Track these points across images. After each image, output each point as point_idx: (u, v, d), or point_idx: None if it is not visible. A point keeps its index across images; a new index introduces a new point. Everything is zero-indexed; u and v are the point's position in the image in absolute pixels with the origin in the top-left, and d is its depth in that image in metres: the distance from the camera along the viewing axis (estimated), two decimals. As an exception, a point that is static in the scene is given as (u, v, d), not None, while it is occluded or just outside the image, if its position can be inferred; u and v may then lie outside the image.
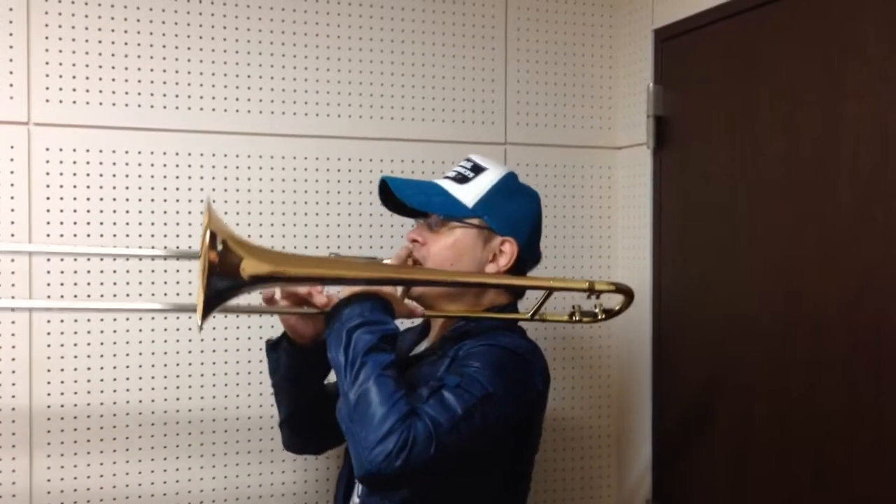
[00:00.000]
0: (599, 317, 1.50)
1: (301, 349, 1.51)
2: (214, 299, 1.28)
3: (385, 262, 1.53)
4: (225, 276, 1.27)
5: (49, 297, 1.86)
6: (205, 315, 1.26)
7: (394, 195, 1.53)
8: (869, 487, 1.53)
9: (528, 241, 1.54)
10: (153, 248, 1.89)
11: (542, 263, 2.21)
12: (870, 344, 1.53)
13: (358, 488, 1.53)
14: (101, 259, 1.89)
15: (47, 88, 1.86)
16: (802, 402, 1.67)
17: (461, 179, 1.53)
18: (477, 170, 1.54)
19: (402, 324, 1.55)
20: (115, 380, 1.91)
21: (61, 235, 1.87)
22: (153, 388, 1.94)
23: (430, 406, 1.28)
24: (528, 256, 1.57)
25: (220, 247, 1.27)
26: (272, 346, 1.57)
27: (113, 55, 1.91)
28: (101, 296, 1.90)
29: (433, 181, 1.56)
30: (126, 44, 1.92)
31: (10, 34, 1.84)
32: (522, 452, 1.49)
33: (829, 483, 1.61)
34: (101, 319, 1.90)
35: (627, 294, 1.50)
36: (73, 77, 1.88)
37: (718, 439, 1.90)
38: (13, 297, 1.83)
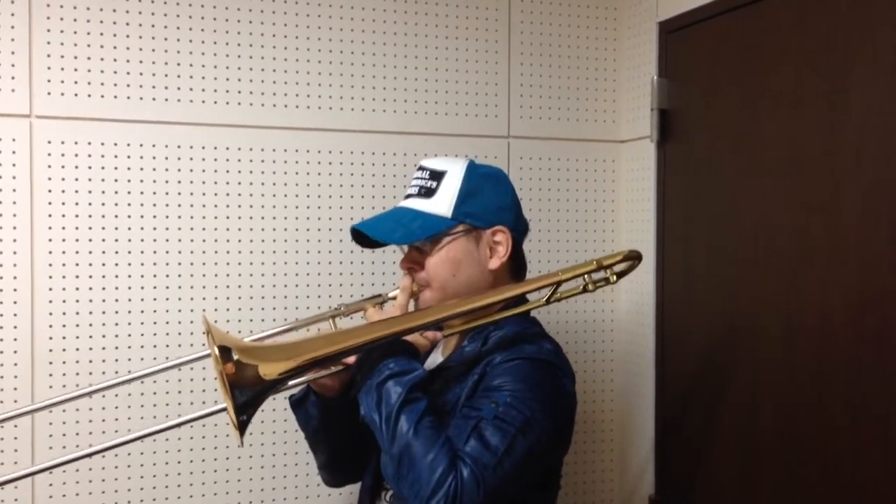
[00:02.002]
0: (612, 280, 1.48)
1: (330, 401, 1.51)
2: (245, 411, 1.27)
3: (391, 295, 1.51)
4: (247, 388, 1.26)
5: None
6: (243, 433, 1.26)
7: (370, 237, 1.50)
8: (875, 483, 1.53)
9: (515, 220, 1.53)
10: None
11: (546, 258, 2.23)
12: (875, 339, 1.52)
13: (386, 494, 1.53)
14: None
15: (49, 81, 1.86)
16: (807, 397, 1.66)
17: (427, 193, 1.49)
18: (437, 177, 1.50)
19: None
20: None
21: (63, 228, 1.87)
22: None
23: (472, 447, 1.29)
24: (520, 233, 1.56)
25: (235, 358, 1.26)
26: (297, 403, 1.56)
27: (115, 47, 1.91)
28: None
29: (401, 206, 1.52)
30: (128, 36, 1.91)
31: (12, 27, 1.83)
32: (556, 452, 1.49)
33: (834, 480, 1.60)
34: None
35: (636, 258, 1.50)
36: (75, 70, 1.88)
37: (722, 436, 1.90)
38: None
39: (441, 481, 1.24)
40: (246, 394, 1.26)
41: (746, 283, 1.83)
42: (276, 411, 2.00)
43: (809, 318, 1.66)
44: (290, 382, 1.38)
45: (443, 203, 1.47)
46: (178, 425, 1.41)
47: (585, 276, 1.45)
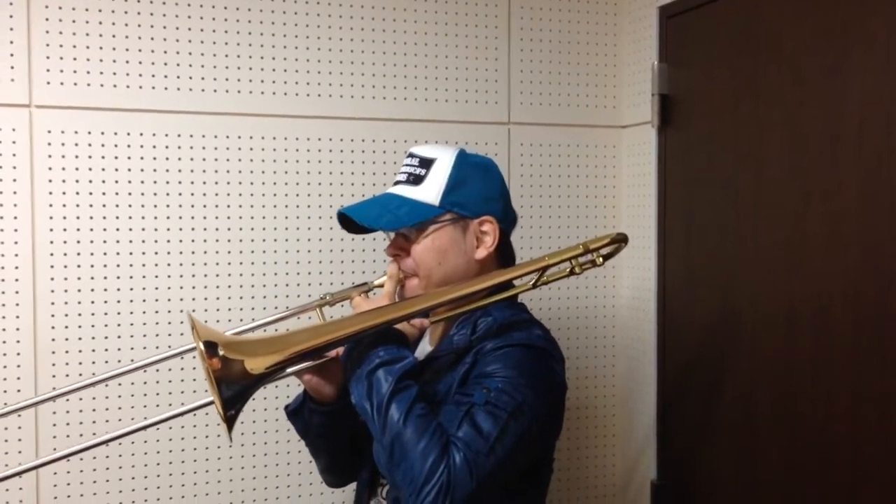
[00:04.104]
0: (598, 262, 1.47)
1: (328, 407, 1.50)
2: (234, 406, 1.26)
3: (376, 282, 1.50)
4: (234, 383, 1.26)
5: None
6: (231, 427, 1.26)
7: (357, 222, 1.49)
8: (874, 468, 1.53)
9: (503, 211, 1.52)
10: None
11: (547, 244, 2.23)
12: (875, 323, 1.52)
13: (382, 490, 1.53)
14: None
15: (48, 70, 1.86)
16: (807, 382, 1.67)
17: (415, 180, 1.48)
18: (426, 164, 1.49)
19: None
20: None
21: (64, 217, 1.87)
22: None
23: (464, 433, 1.29)
24: (509, 223, 1.55)
25: (221, 353, 1.25)
26: (294, 412, 1.56)
27: (113, 37, 1.90)
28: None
29: (389, 192, 1.51)
30: (126, 25, 1.91)
31: (11, 16, 1.83)
32: (548, 438, 1.49)
33: (834, 463, 1.61)
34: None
35: (622, 241, 1.49)
36: (74, 59, 1.88)
37: (723, 419, 1.90)
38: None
39: (434, 469, 1.24)
40: (233, 388, 1.25)
41: (747, 268, 1.83)
42: (278, 398, 2.01)
43: (809, 303, 1.66)
44: (288, 370, 1.37)
45: (431, 191, 1.46)
46: (169, 419, 1.39)
47: (572, 259, 1.45)
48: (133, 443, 1.94)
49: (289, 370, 1.39)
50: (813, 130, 1.66)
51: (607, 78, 2.30)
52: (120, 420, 1.92)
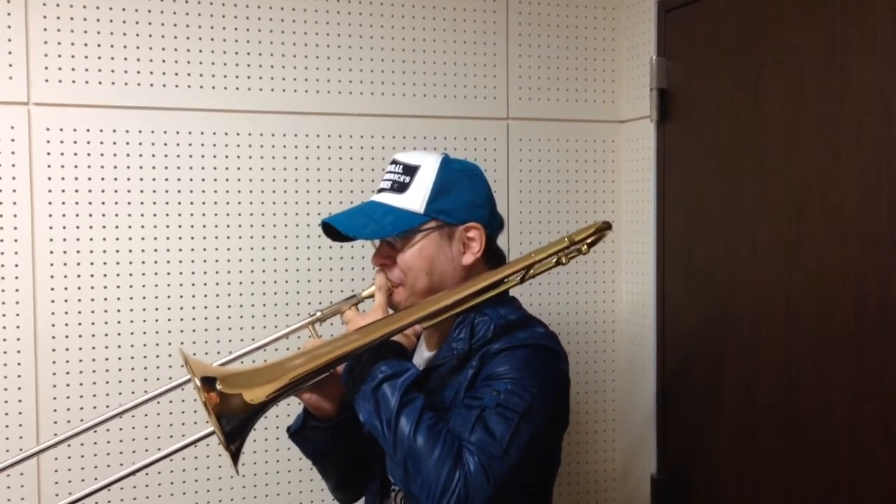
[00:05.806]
0: (584, 251, 1.48)
1: (330, 423, 1.50)
2: (235, 440, 1.26)
3: (365, 293, 1.49)
4: (234, 416, 1.26)
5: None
6: (236, 459, 1.26)
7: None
8: (874, 462, 1.53)
9: (488, 217, 1.51)
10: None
11: (546, 239, 2.23)
12: (875, 318, 1.52)
13: (396, 496, 1.53)
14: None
15: (46, 68, 1.86)
16: (807, 376, 1.67)
17: (400, 188, 1.47)
18: (410, 171, 1.47)
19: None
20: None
21: (63, 215, 1.87)
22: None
23: (478, 438, 1.29)
24: (494, 229, 1.54)
25: (218, 388, 1.24)
26: (297, 433, 1.55)
27: (111, 34, 1.90)
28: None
29: (373, 200, 1.49)
30: (124, 22, 1.91)
31: (9, 14, 1.83)
32: (557, 433, 1.50)
33: (835, 455, 1.61)
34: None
35: (607, 229, 1.50)
36: (73, 56, 1.87)
37: (723, 414, 1.90)
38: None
39: (450, 478, 1.24)
40: (233, 422, 1.25)
41: (747, 262, 1.83)
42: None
43: (811, 297, 1.66)
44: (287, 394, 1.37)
45: (415, 199, 1.45)
46: (175, 452, 1.37)
47: (558, 252, 1.46)
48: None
49: (292, 392, 1.38)
50: (812, 123, 1.66)
51: (606, 73, 2.30)
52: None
